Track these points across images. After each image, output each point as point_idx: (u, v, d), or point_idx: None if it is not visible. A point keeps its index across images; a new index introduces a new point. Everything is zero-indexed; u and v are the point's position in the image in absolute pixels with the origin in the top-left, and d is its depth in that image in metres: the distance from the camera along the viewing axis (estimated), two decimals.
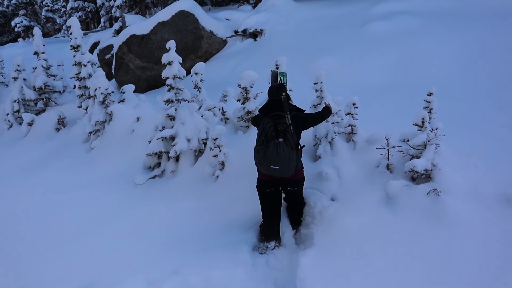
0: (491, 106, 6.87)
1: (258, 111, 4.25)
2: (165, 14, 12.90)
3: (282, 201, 4.12)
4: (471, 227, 3.82)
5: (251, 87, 5.82)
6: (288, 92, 4.40)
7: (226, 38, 13.57)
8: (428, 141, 4.47)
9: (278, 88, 3.99)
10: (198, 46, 13.07)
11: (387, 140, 4.62)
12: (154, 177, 5.70)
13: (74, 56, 8.11)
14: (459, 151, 4.92)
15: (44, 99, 9.44)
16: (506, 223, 3.85)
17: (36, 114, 9.20)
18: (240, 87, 5.73)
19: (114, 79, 14.47)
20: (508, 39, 8.65)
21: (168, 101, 5.77)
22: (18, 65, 9.45)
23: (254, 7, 15.62)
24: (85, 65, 7.94)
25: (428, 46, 9.28)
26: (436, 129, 4.76)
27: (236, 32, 13.58)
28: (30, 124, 8.77)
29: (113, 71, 14.21)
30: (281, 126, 3.67)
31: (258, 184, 3.99)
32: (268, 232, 3.91)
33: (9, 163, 7.24)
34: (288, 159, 3.58)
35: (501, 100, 6.97)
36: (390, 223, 3.87)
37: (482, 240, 3.69)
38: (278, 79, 4.51)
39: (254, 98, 5.89)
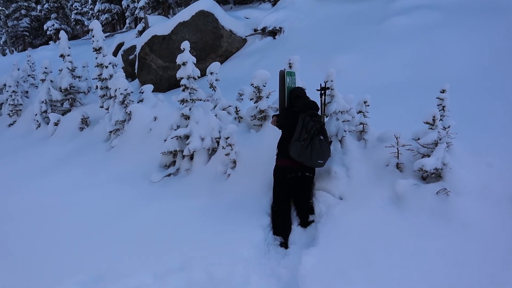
0: (511, 103, 6.64)
1: (288, 107, 4.67)
2: (185, 14, 13.12)
3: None
4: (480, 228, 3.74)
5: (264, 86, 5.87)
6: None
7: (246, 36, 13.67)
8: (440, 139, 4.39)
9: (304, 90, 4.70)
10: (218, 45, 13.23)
11: (396, 138, 4.58)
12: (169, 175, 5.87)
13: (96, 58, 8.41)
14: (472, 149, 4.81)
15: (70, 99, 9.85)
16: None
17: (62, 114, 9.61)
18: (253, 86, 5.79)
19: (137, 79, 14.84)
20: None
21: (182, 101, 5.92)
22: (46, 68, 9.90)
23: (273, 5, 15.64)
24: (106, 67, 8.21)
25: (449, 41, 9.04)
26: (449, 127, 4.66)
27: (255, 30, 13.65)
28: (56, 124, 9.17)
29: (136, 71, 14.58)
30: (318, 124, 4.18)
31: (279, 170, 4.40)
32: (281, 219, 4.29)
33: (36, 161, 7.59)
34: (329, 155, 4.25)
35: None
36: (396, 222, 3.85)
37: (491, 241, 3.61)
38: (286, 79, 4.55)
39: (267, 97, 5.94)
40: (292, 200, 4.56)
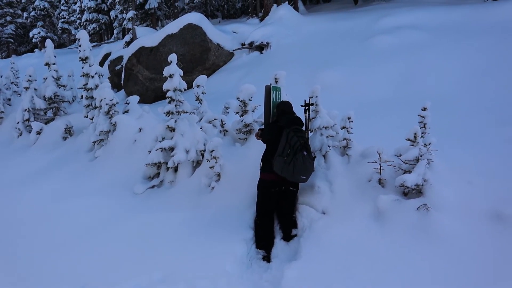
0: (493, 121, 6.82)
1: (273, 122, 4.71)
2: (173, 27, 13.20)
3: None
4: (460, 244, 3.81)
5: (250, 100, 5.92)
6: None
7: (233, 50, 13.80)
8: (421, 156, 4.49)
9: (292, 105, 4.74)
10: (205, 58, 13.31)
11: (379, 154, 4.66)
12: (152, 187, 5.83)
13: (82, 68, 8.35)
14: (453, 166, 4.92)
15: (54, 108, 9.72)
16: (495, 240, 3.83)
17: (46, 123, 9.46)
18: (239, 100, 5.83)
19: (123, 90, 14.77)
20: None
21: (168, 113, 5.92)
22: (30, 75, 9.77)
23: (261, 20, 15.87)
24: (92, 76, 8.16)
25: (432, 60, 9.30)
26: (429, 144, 4.77)
27: (243, 44, 13.80)
28: (38, 133, 9.02)
29: (122, 82, 14.52)
30: (302, 139, 4.20)
31: (263, 184, 4.42)
32: (264, 232, 4.31)
33: (16, 170, 7.45)
34: (312, 170, 4.27)
35: (504, 115, 6.93)
36: (378, 237, 3.89)
37: (470, 256, 3.68)
38: (272, 94, 4.61)
39: (253, 111, 5.99)
40: (275, 214, 4.57)
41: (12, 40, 37.32)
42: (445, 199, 4.25)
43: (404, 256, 3.65)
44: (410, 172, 4.49)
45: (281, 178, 4.25)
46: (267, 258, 4.06)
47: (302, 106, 5.07)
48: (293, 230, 4.34)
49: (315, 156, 4.75)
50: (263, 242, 4.26)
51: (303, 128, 4.78)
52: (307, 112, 4.99)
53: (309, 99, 5.08)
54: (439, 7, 11.92)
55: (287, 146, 4.12)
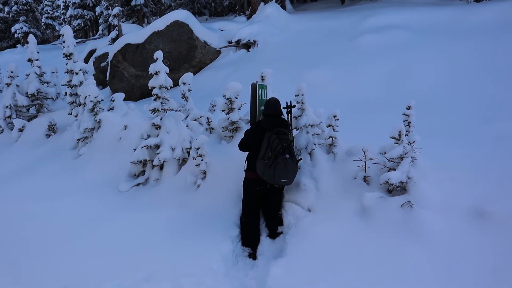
0: (477, 119, 6.93)
1: (256, 124, 4.62)
2: (160, 24, 13.07)
3: None
4: (443, 240, 3.89)
5: (236, 98, 5.91)
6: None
7: (220, 48, 13.74)
8: (405, 154, 4.55)
9: (279, 105, 4.60)
10: (192, 55, 13.22)
11: (364, 152, 4.70)
12: (138, 184, 5.77)
13: (66, 64, 8.22)
14: (437, 164, 5.00)
15: (37, 105, 9.53)
16: (477, 237, 3.91)
17: (28, 120, 9.27)
18: (225, 98, 5.81)
19: (108, 87, 14.58)
20: (500, 53, 8.78)
21: (154, 110, 5.86)
22: (12, 71, 9.55)
23: (248, 18, 15.83)
24: (76, 73, 8.03)
25: (418, 60, 9.40)
26: (414, 142, 4.84)
27: (229, 42, 13.75)
28: (21, 130, 8.84)
29: (107, 78, 14.34)
30: (285, 142, 4.12)
31: (248, 182, 4.41)
32: (249, 230, 4.31)
33: None
34: (295, 173, 4.19)
35: (487, 113, 7.05)
36: (363, 234, 3.94)
37: (453, 253, 3.75)
38: (258, 92, 4.61)
39: (239, 109, 5.97)
40: (261, 211, 4.57)
41: None
42: (428, 196, 4.32)
43: (389, 253, 3.70)
44: (394, 169, 4.54)
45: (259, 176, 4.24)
46: (253, 256, 4.07)
47: (284, 108, 4.99)
48: (279, 227, 4.35)
49: (300, 159, 4.76)
50: (249, 240, 4.26)
51: (290, 129, 4.79)
52: (289, 114, 4.94)
53: (290, 102, 5.02)
54: (424, 7, 12.07)
55: (268, 149, 4.07)
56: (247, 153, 4.63)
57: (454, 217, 4.13)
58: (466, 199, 4.34)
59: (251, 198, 4.41)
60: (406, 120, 5.06)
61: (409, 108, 5.05)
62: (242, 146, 4.59)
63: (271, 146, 4.06)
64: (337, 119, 5.29)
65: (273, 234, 4.34)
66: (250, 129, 4.60)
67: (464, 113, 7.30)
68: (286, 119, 4.89)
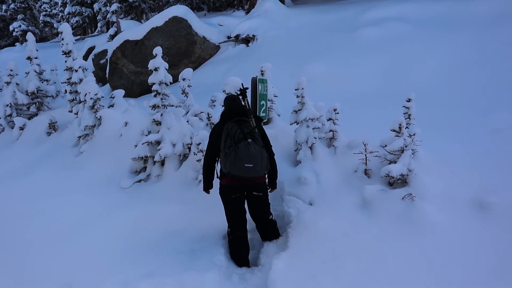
0: (476, 112, 6.95)
1: (216, 125, 4.02)
2: (158, 19, 13.05)
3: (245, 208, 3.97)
4: (444, 232, 3.90)
5: (236, 93, 5.91)
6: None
7: (219, 43, 13.72)
8: (405, 147, 4.56)
9: (237, 98, 4.14)
10: (191, 51, 13.20)
11: (364, 145, 4.71)
12: (139, 181, 5.79)
13: (65, 62, 8.22)
14: (437, 156, 5.02)
15: (37, 103, 9.54)
16: (478, 228, 3.93)
17: (29, 119, 9.28)
18: (225, 93, 5.81)
19: (108, 84, 14.58)
20: (498, 45, 8.77)
21: (154, 107, 5.87)
22: (11, 70, 9.56)
23: (247, 13, 15.79)
24: (76, 71, 8.03)
25: (417, 52, 9.41)
26: (414, 134, 4.85)
27: (228, 37, 13.72)
28: (21, 128, 8.86)
29: (107, 75, 14.33)
30: (246, 128, 3.63)
31: (222, 190, 3.85)
32: (236, 245, 3.84)
33: None
34: (261, 157, 3.53)
35: (486, 106, 7.07)
36: (365, 227, 3.95)
37: (454, 245, 3.76)
38: (258, 86, 4.61)
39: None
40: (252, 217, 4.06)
41: None
42: (429, 188, 4.33)
43: (391, 245, 3.71)
44: (395, 162, 4.56)
45: (236, 181, 3.70)
46: (246, 264, 3.82)
47: (236, 93, 4.48)
48: (274, 240, 4.01)
49: (271, 145, 4.01)
50: (237, 256, 3.86)
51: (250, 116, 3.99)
52: (245, 99, 4.28)
53: (242, 85, 4.41)
54: None
55: (228, 139, 3.57)
56: None
57: (455, 208, 4.14)
58: (467, 190, 4.36)
59: (231, 208, 3.85)
60: (406, 113, 5.08)
61: (409, 100, 5.06)
62: (208, 155, 3.93)
63: (230, 135, 3.57)
64: (337, 113, 5.31)
65: (269, 238, 4.01)
66: (210, 132, 4.00)
67: (463, 105, 7.31)
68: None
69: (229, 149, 3.52)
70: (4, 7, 34.76)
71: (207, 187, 4.03)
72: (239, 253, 3.83)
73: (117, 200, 5.28)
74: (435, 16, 10.75)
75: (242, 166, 3.46)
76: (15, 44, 30.98)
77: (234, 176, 3.58)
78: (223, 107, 4.16)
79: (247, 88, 4.36)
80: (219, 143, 3.71)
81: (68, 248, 4.24)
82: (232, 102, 4.07)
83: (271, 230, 4.02)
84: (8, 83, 9.49)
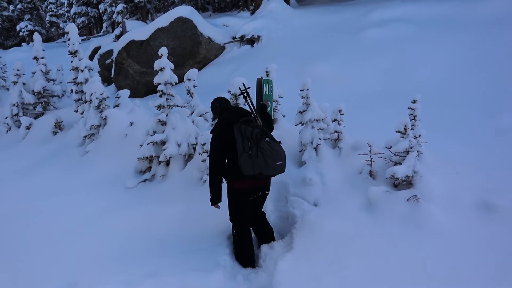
0: (481, 113, 6.92)
1: (217, 127, 3.76)
2: (164, 20, 13.08)
3: None
4: (449, 234, 3.89)
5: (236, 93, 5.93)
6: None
7: (224, 44, 13.73)
8: (411, 148, 4.55)
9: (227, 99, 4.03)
10: (196, 51, 13.22)
11: (370, 146, 4.71)
12: (144, 180, 5.81)
13: (71, 61, 8.27)
14: (442, 158, 5.01)
15: (43, 103, 9.61)
16: (483, 230, 3.92)
17: (35, 118, 9.36)
18: (230, 93, 5.83)
19: (114, 84, 14.65)
20: (502, 46, 8.73)
21: (159, 107, 5.89)
22: (18, 70, 9.65)
23: (252, 13, 15.79)
24: (82, 70, 8.08)
25: (421, 53, 9.37)
26: (419, 136, 4.84)
27: (233, 38, 13.73)
28: (28, 128, 8.93)
29: (112, 76, 14.39)
30: (257, 128, 3.52)
31: (238, 194, 3.69)
32: (246, 250, 3.81)
33: (5, 166, 7.36)
34: (284, 153, 3.54)
35: (490, 107, 7.03)
36: (369, 228, 3.95)
37: (459, 247, 3.76)
38: (263, 87, 4.62)
39: (244, 104, 5.99)
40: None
41: None
42: (434, 190, 4.32)
43: (395, 247, 3.71)
44: (400, 164, 4.55)
45: (255, 183, 3.65)
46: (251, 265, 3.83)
47: (240, 94, 4.46)
48: (272, 234, 4.04)
49: (280, 141, 3.97)
50: (247, 259, 3.82)
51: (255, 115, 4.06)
52: (247, 99, 4.30)
53: (243, 84, 4.50)
54: (427, 0, 11.98)
55: (245, 140, 3.44)
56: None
57: (460, 210, 4.14)
58: (472, 192, 4.35)
59: (243, 212, 3.76)
60: (412, 114, 5.06)
61: (414, 102, 5.04)
62: (218, 162, 3.67)
63: (246, 136, 3.44)
64: (343, 114, 5.31)
65: (268, 240, 4.00)
66: (213, 137, 3.71)
67: (467, 106, 7.28)
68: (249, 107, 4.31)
69: (252, 150, 3.39)
70: (11, 7, 35.05)
71: (219, 199, 3.75)
72: (245, 253, 3.81)
73: (122, 199, 5.31)
74: (440, 18, 10.70)
75: (274, 165, 3.42)
76: (22, 44, 31.21)
77: (257, 178, 3.49)
78: (217, 110, 3.90)
79: (249, 88, 4.34)
80: (230, 148, 3.55)
81: (72, 247, 4.25)
82: (226, 104, 3.93)
83: (266, 224, 4.02)
84: (15, 82, 9.58)
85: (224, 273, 3.45)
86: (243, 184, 3.61)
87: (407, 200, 4.17)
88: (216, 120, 4.28)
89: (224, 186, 3.78)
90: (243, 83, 4.65)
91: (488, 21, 9.69)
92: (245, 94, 4.37)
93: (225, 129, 3.61)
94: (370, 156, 4.74)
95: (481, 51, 8.80)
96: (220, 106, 3.89)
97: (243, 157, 3.41)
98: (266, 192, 3.83)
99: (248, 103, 4.35)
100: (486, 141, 5.71)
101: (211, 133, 3.75)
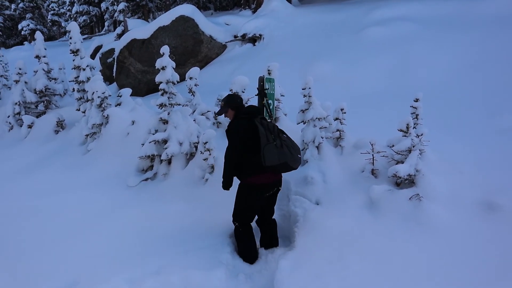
0: (483, 112, 6.90)
1: (237, 120, 3.84)
2: (165, 19, 13.09)
3: None
4: (451, 233, 3.87)
5: (243, 92, 5.93)
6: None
7: (226, 42, 13.73)
8: (413, 147, 4.53)
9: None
10: (198, 50, 13.23)
11: (372, 145, 4.70)
12: (146, 179, 5.81)
13: (73, 60, 8.28)
14: (445, 156, 4.99)
15: (45, 101, 9.63)
16: (486, 229, 3.89)
17: (37, 117, 9.38)
18: (232, 92, 5.83)
19: (115, 83, 14.66)
20: (505, 46, 8.69)
21: (161, 105, 5.89)
22: (20, 69, 9.66)
23: (254, 12, 15.79)
24: (83, 69, 8.09)
25: (424, 52, 9.34)
26: (422, 134, 4.82)
27: (235, 36, 13.73)
28: (30, 126, 8.95)
29: (114, 74, 14.40)
30: (272, 124, 3.74)
31: (255, 189, 3.70)
32: (251, 247, 3.84)
33: (8, 164, 7.37)
34: (300, 148, 3.76)
35: (493, 106, 7.00)
36: (371, 227, 3.93)
37: (461, 245, 3.74)
38: (266, 86, 4.61)
39: (246, 103, 5.99)
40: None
41: (0, 33, 36.74)
42: (437, 189, 4.30)
43: (397, 246, 3.69)
44: (402, 162, 4.53)
45: (272, 177, 3.72)
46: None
47: (256, 95, 4.59)
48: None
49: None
50: (251, 256, 3.86)
51: (270, 116, 4.64)
52: (264, 99, 4.39)
53: (263, 81, 4.58)
54: None
55: (268, 132, 3.56)
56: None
57: (463, 209, 4.11)
58: (475, 191, 4.33)
59: (254, 207, 3.84)
60: (414, 113, 5.05)
61: (416, 100, 5.03)
62: (237, 151, 3.69)
63: (269, 130, 3.60)
64: (344, 112, 5.30)
65: (272, 241, 4.02)
66: (235, 130, 3.73)
67: (470, 105, 7.25)
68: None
69: (277, 141, 3.53)
70: (13, 6, 35.12)
71: (230, 184, 3.84)
72: (250, 243, 3.84)
73: (123, 198, 5.31)
74: (442, 16, 10.67)
75: (297, 157, 3.59)
76: (24, 43, 31.28)
77: (276, 171, 3.62)
78: (237, 105, 3.95)
79: (267, 89, 4.48)
80: (252, 140, 3.62)
81: (74, 245, 4.25)
82: (241, 102, 4.04)
83: (274, 231, 4.03)
84: (17, 81, 9.59)
85: (226, 272, 3.45)
86: (261, 178, 3.66)
87: (409, 199, 4.16)
88: (223, 115, 4.34)
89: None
90: (261, 83, 4.70)
91: (490, 20, 9.66)
92: (261, 94, 4.50)
93: (248, 122, 3.70)
94: (372, 155, 4.72)
95: (483, 50, 8.77)
96: (240, 101, 4.01)
97: (269, 147, 3.49)
98: (280, 187, 3.90)
99: (264, 104, 4.52)
100: (489, 140, 5.68)
101: (230, 126, 3.78)
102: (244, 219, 3.85)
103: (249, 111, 3.86)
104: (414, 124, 4.89)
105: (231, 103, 3.97)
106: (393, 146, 4.66)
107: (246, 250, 3.84)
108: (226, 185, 3.83)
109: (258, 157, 3.54)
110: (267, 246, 4.01)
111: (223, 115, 4.07)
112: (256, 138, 3.59)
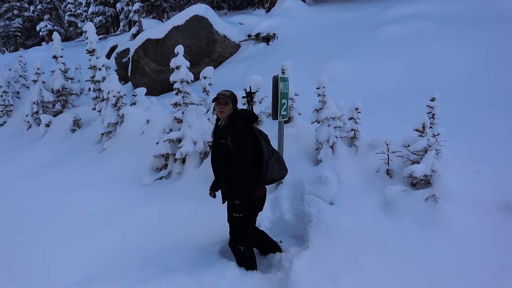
0: (500, 112, 6.76)
1: (241, 123, 3.33)
2: (179, 18, 13.16)
3: None
4: (468, 234, 3.81)
5: (257, 91, 5.93)
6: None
7: (239, 42, 13.74)
8: (429, 147, 4.47)
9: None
10: (211, 50, 13.27)
11: (387, 145, 4.65)
12: (160, 178, 5.86)
13: (89, 60, 8.40)
14: (461, 157, 4.90)
15: (62, 101, 9.80)
16: (503, 230, 3.83)
17: (54, 116, 9.55)
18: (246, 91, 5.83)
19: (130, 82, 14.82)
20: None
21: (175, 105, 5.93)
22: (38, 69, 9.85)
23: (267, 11, 15.77)
24: (99, 69, 8.20)
25: (440, 50, 9.19)
26: (438, 134, 4.75)
27: (249, 36, 13.74)
28: (47, 125, 9.11)
29: (129, 74, 14.56)
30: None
31: (255, 202, 3.39)
32: (254, 259, 3.56)
33: (26, 163, 7.53)
34: None
35: (510, 105, 6.87)
36: (386, 227, 3.89)
37: (478, 247, 3.67)
38: (279, 85, 4.60)
39: (260, 102, 5.99)
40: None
41: (19, 34, 37.55)
42: (453, 189, 4.23)
43: (413, 247, 3.65)
44: (418, 162, 4.47)
45: (265, 189, 3.50)
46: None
47: (243, 97, 4.18)
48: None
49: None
50: (255, 266, 3.57)
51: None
52: (250, 104, 4.00)
53: (250, 88, 4.26)
54: None
55: (266, 144, 3.33)
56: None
57: (480, 210, 4.04)
58: (492, 192, 4.25)
59: (252, 222, 3.51)
60: (430, 112, 4.97)
61: (433, 100, 4.95)
62: (249, 160, 3.22)
63: (265, 140, 3.37)
64: (359, 112, 5.25)
65: (273, 248, 3.82)
66: (244, 135, 3.25)
67: (487, 104, 7.12)
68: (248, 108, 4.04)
69: (276, 155, 3.36)
70: (31, 7, 35.85)
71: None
72: (255, 262, 3.56)
73: (139, 196, 5.36)
74: (459, 14, 10.48)
75: (286, 169, 3.45)
76: (41, 43, 31.91)
77: (269, 184, 3.36)
78: (236, 104, 3.50)
79: (255, 93, 4.08)
80: (255, 149, 3.28)
81: (89, 243, 4.30)
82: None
83: (268, 235, 3.82)
84: (35, 81, 9.79)
85: (240, 271, 3.44)
86: (261, 190, 3.43)
87: (425, 199, 4.10)
88: (214, 105, 3.98)
89: None
90: (250, 86, 4.50)
91: (509, 17, 9.45)
92: (248, 96, 4.11)
93: (249, 127, 3.34)
94: (388, 155, 4.67)
95: (501, 47, 8.59)
96: (236, 104, 3.57)
97: (271, 161, 3.25)
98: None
99: (250, 106, 4.17)
100: (505, 140, 5.57)
101: (239, 131, 3.24)
102: (249, 238, 3.51)
103: (248, 117, 3.41)
104: (431, 123, 4.82)
105: (235, 101, 3.49)
106: (408, 146, 4.60)
107: (252, 267, 3.54)
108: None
109: (258, 170, 3.24)
110: (274, 251, 3.80)
111: (219, 106, 3.41)
112: (258, 149, 3.27)
